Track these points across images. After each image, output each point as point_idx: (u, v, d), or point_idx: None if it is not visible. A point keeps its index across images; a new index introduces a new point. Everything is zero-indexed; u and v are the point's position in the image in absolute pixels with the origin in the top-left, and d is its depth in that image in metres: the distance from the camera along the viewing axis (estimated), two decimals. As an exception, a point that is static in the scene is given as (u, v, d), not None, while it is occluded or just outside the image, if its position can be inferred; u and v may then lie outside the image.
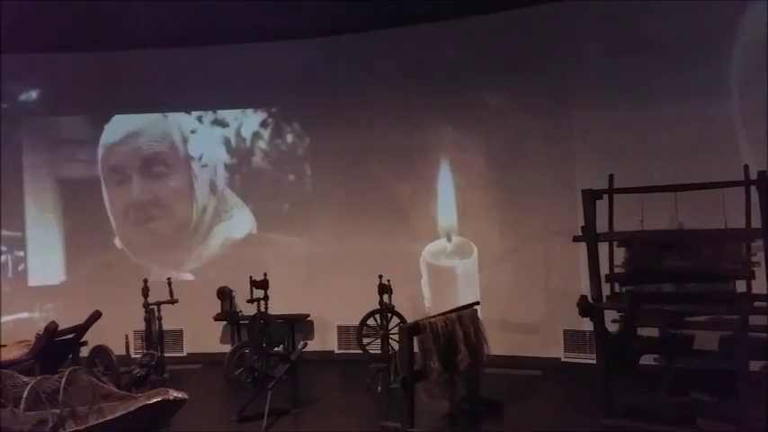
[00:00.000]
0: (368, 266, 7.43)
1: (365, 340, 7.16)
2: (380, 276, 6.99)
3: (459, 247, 7.91)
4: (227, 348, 7.88)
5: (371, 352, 7.12)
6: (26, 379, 4.30)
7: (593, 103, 7.22)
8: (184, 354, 8.43)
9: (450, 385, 5.40)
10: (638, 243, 5.58)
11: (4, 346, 6.46)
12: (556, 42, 7.38)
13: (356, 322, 7.28)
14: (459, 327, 5.47)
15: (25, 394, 4.12)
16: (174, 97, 8.67)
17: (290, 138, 8.76)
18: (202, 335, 8.43)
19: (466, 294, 7.33)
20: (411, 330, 5.27)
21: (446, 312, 5.58)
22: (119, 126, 8.80)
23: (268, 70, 8.54)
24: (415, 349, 5.29)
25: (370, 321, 7.15)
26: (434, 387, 5.27)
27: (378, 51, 8.23)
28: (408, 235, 8.12)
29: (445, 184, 8.02)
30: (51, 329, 6.09)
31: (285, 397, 6.06)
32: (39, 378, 4.32)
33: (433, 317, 5.47)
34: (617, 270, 5.72)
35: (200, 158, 8.77)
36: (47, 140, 8.89)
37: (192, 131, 8.78)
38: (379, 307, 7.02)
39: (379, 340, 6.98)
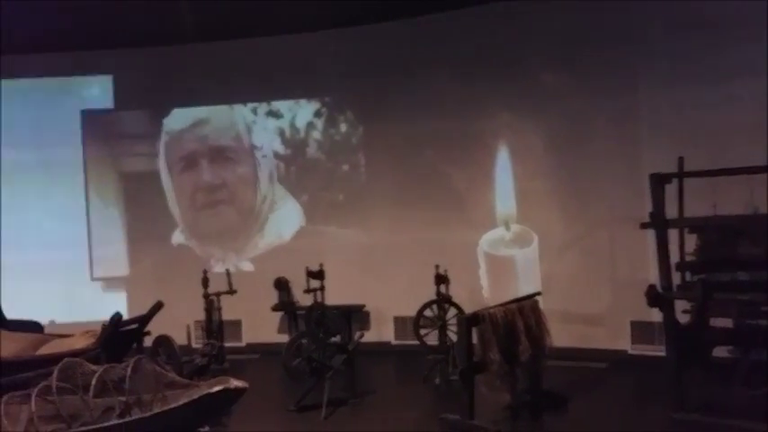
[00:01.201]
0: (424, 256, 7.34)
1: (422, 331, 7.07)
2: (437, 266, 6.88)
3: (518, 236, 7.72)
4: (284, 338, 7.95)
5: (429, 343, 7.03)
6: (94, 367, 4.39)
7: (661, 83, 6.89)
8: (243, 344, 8.56)
9: (510, 377, 5.26)
10: (710, 229, 5.30)
11: (72, 335, 6.66)
12: (619, 20, 7.07)
13: (413, 313, 7.19)
14: (520, 317, 5.32)
15: (94, 382, 4.21)
16: (229, 90, 8.77)
17: (343, 127, 8.74)
18: (260, 325, 8.53)
19: (526, 284, 7.15)
20: (470, 321, 5.15)
21: (506, 303, 5.43)
22: (186, 114, 8.97)
23: (321, 60, 8.52)
24: (474, 341, 5.18)
25: (427, 312, 7.05)
26: (495, 379, 5.14)
27: (431, 37, 8.07)
28: (465, 224, 7.97)
29: (503, 171, 7.82)
30: (116, 320, 6.22)
31: (343, 387, 6.05)
32: (106, 366, 4.41)
33: (492, 307, 5.34)
34: (688, 258, 5.45)
35: (262, 148, 8.84)
36: (108, 135, 9.14)
37: (254, 122, 8.86)
38: (436, 298, 6.92)
39: (436, 331, 6.89)
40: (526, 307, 5.45)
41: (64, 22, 7.75)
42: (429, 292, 6.92)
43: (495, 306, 5.36)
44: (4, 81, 8.74)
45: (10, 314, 7.19)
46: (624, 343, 7.06)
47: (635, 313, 6.74)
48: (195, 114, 8.95)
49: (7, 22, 7.56)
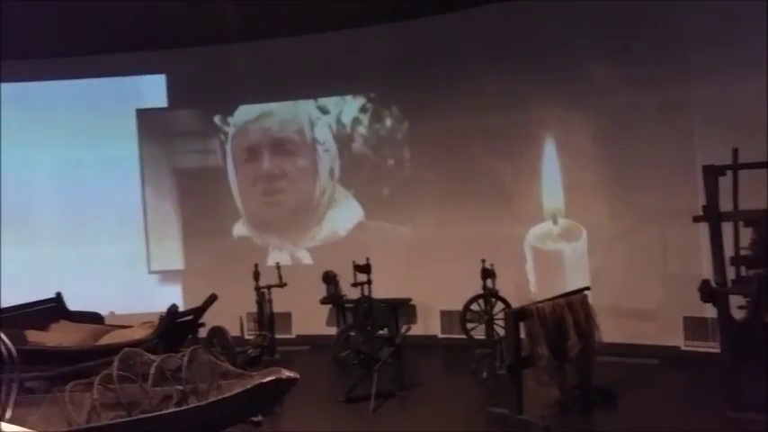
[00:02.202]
0: (470, 250, 7.33)
1: (469, 325, 7.08)
2: (483, 261, 6.86)
3: (566, 230, 7.62)
4: (333, 331, 8.09)
5: (476, 337, 7.03)
6: (152, 357, 4.57)
7: (714, 72, 6.67)
8: (293, 335, 8.73)
9: (559, 372, 5.24)
10: (766, 222, 5.14)
11: (131, 326, 6.93)
12: (668, 8, 6.89)
13: (459, 307, 7.20)
14: (569, 312, 5.29)
15: (152, 371, 4.39)
16: (278, 88, 8.93)
17: (388, 122, 8.78)
18: (310, 317, 8.68)
19: (574, 279, 7.06)
20: (517, 315, 5.15)
21: (554, 297, 5.40)
22: (252, 106, 9.17)
23: (366, 55, 8.58)
24: (522, 335, 5.17)
25: (474, 306, 7.05)
26: (543, 374, 5.14)
27: (475, 30, 8.02)
28: (512, 218, 7.92)
29: (550, 163, 7.72)
30: (172, 311, 6.45)
31: (390, 379, 6.12)
32: (163, 356, 4.58)
33: (540, 302, 5.32)
34: (743, 252, 5.29)
35: (324, 143, 8.99)
36: (163, 132, 9.43)
37: (318, 117, 9.00)
38: (482, 292, 6.91)
39: (482, 325, 6.88)
40: (575, 302, 5.40)
41: (120, 23, 8.03)
42: (475, 287, 6.91)
43: (543, 301, 5.33)
44: (64, 81, 9.13)
45: (73, 305, 7.53)
46: (676, 339, 6.91)
47: (688, 308, 6.59)
48: (261, 107, 9.15)
49: (67, 26, 7.89)
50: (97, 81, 9.19)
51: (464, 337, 7.09)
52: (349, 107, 8.89)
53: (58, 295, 7.49)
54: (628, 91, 7.22)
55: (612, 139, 7.36)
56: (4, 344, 1.89)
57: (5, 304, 6.54)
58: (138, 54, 8.96)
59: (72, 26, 7.92)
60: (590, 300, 5.56)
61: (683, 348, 6.87)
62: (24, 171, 9.14)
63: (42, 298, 7.27)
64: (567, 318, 5.24)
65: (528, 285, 7.78)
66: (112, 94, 9.26)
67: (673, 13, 6.90)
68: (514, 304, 6.34)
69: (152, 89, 9.30)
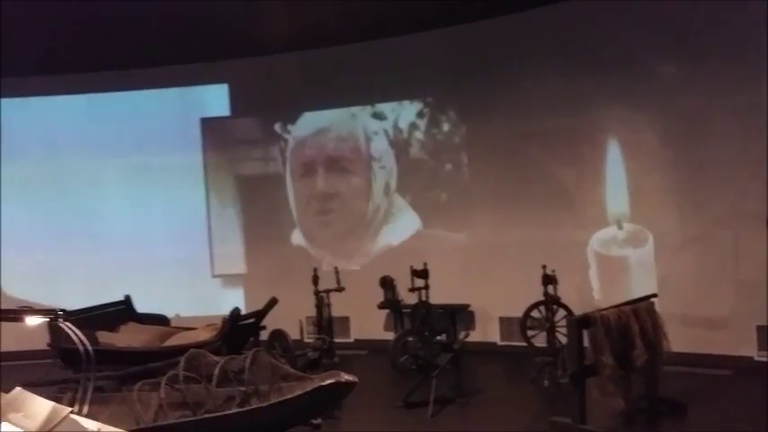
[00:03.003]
0: (530, 256, 7.19)
1: (530, 333, 6.95)
2: (544, 267, 6.72)
3: (631, 235, 7.37)
4: (390, 335, 8.08)
5: (537, 345, 6.90)
6: (216, 358, 4.69)
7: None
8: (352, 340, 8.78)
9: (625, 382, 5.07)
10: None
11: (196, 328, 7.13)
12: (741, 7, 6.59)
13: (519, 314, 7.09)
14: (635, 320, 5.11)
15: (216, 372, 4.50)
16: (335, 94, 9.03)
17: (445, 127, 8.73)
18: (368, 322, 8.72)
19: (640, 286, 6.82)
20: (580, 323, 5.02)
21: (619, 305, 5.24)
22: (310, 121, 9.31)
23: (422, 60, 8.57)
24: (585, 343, 5.04)
25: (535, 313, 6.92)
26: (607, 383, 4.98)
27: (534, 32, 7.88)
28: (574, 223, 7.73)
29: (614, 167, 7.48)
30: (235, 314, 6.60)
31: (449, 386, 6.07)
32: (227, 358, 4.70)
33: (604, 309, 5.16)
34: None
35: (380, 159, 9.03)
36: (225, 140, 9.69)
37: (375, 132, 9.03)
38: (543, 298, 6.78)
39: (544, 333, 6.74)
40: (641, 309, 5.22)
41: (184, 36, 8.30)
42: (536, 293, 6.78)
43: (608, 308, 5.18)
44: (133, 92, 9.50)
45: (140, 308, 7.81)
46: (749, 349, 6.57)
47: (761, 317, 6.27)
48: (318, 121, 9.27)
49: (135, 39, 8.22)
50: (165, 91, 9.52)
51: (524, 344, 6.97)
52: (406, 112, 8.89)
53: (127, 298, 7.78)
54: (697, 90, 6.93)
55: (681, 141, 7.07)
56: (83, 344, 1.97)
57: (77, 306, 6.81)
58: (201, 65, 9.23)
59: (139, 39, 8.24)
60: (657, 307, 5.36)
61: (757, 359, 6.54)
62: (94, 178, 9.56)
63: (112, 301, 7.59)
64: (632, 326, 5.06)
65: (591, 292, 7.57)
66: (178, 103, 9.58)
67: (744, 12, 6.59)
68: (577, 311, 6.16)
69: (215, 99, 9.57)
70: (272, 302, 6.93)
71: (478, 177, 8.47)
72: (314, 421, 5.20)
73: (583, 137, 7.71)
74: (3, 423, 1.85)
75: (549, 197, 7.87)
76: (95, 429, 1.79)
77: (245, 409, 4.27)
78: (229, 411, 4.22)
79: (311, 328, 7.89)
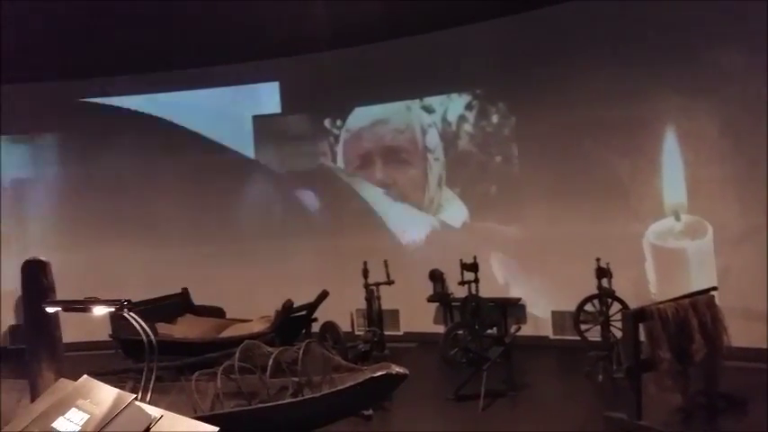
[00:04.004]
0: (583, 249, 7.06)
1: (583, 326, 6.84)
2: (598, 260, 6.59)
3: (689, 227, 7.14)
4: (440, 329, 8.08)
5: (590, 339, 6.78)
6: (270, 349, 4.78)
7: None
8: (401, 332, 8.81)
9: (682, 377, 4.93)
10: None
11: (250, 320, 7.29)
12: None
13: (572, 307, 6.98)
14: (693, 314, 4.96)
15: (270, 363, 4.60)
16: (385, 89, 9.05)
17: (495, 119, 8.64)
18: (417, 315, 8.73)
19: (699, 279, 6.63)
20: (636, 317, 4.91)
21: (677, 298, 5.09)
22: (366, 113, 9.39)
23: (471, 52, 8.49)
24: (642, 337, 4.92)
25: (588, 307, 6.80)
26: (665, 378, 4.85)
27: (585, 19, 7.69)
28: (629, 215, 7.54)
29: (671, 157, 7.25)
30: (287, 306, 6.72)
31: (500, 379, 6.03)
32: (280, 349, 4.78)
33: (661, 303, 5.03)
34: None
35: (434, 151, 9.03)
36: (278, 137, 9.84)
37: (429, 124, 9.03)
38: (597, 292, 6.65)
39: (598, 327, 6.62)
40: (700, 303, 5.07)
41: (233, 36, 8.47)
42: (589, 287, 6.66)
43: (665, 301, 5.05)
44: (188, 92, 9.76)
45: (197, 300, 8.04)
46: (816, 345, 6.30)
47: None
48: (372, 114, 9.34)
49: (190, 40, 8.44)
50: (220, 90, 9.75)
51: (577, 338, 6.86)
52: (454, 105, 8.85)
53: (184, 290, 8.01)
54: (757, 79, 6.65)
55: (742, 132, 6.80)
56: (146, 333, 2.05)
57: (137, 299, 7.03)
58: (254, 63, 9.39)
59: (195, 40, 8.45)
60: (717, 301, 5.19)
61: (823, 355, 6.25)
62: (149, 175, 9.88)
63: (170, 293, 7.83)
64: (691, 320, 4.92)
65: (647, 285, 7.37)
66: (230, 101, 9.78)
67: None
68: (632, 305, 6.03)
69: (267, 96, 9.73)
70: (323, 295, 7.02)
71: (529, 169, 8.35)
72: (365, 412, 5.26)
73: (638, 126, 7.49)
74: (71, 409, 1.94)
75: (603, 189, 7.71)
76: (158, 415, 1.86)
77: (298, 399, 4.34)
78: (283, 401, 4.30)
79: (361, 321, 7.96)
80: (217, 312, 7.90)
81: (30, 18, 7.21)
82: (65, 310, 2.38)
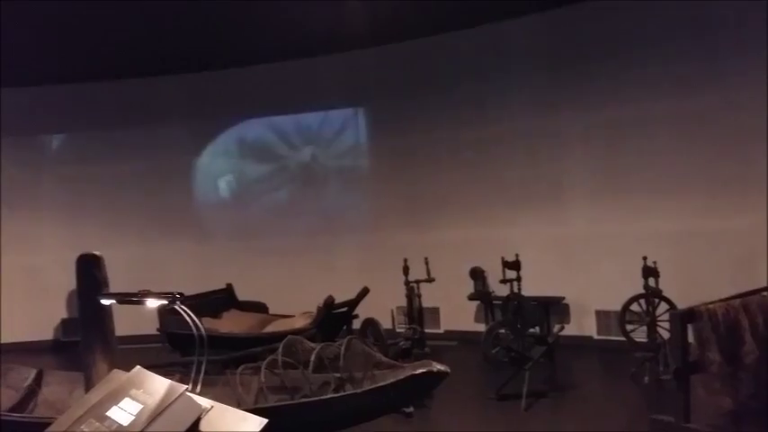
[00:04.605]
0: (629, 247, 6.95)
1: (629, 327, 6.71)
2: (645, 258, 6.46)
3: (738, 226, 6.91)
4: (481, 327, 8.04)
5: (636, 339, 6.64)
6: (312, 345, 4.84)
7: None
8: (441, 330, 8.78)
9: (732, 380, 4.77)
10: None
11: (292, 316, 7.38)
12: None
13: (617, 307, 6.86)
14: (744, 315, 4.78)
15: (312, 358, 4.65)
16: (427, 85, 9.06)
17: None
18: (458, 313, 8.69)
19: (750, 279, 6.38)
20: (685, 317, 4.77)
21: (727, 298, 4.93)
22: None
23: (512, 47, 8.42)
24: (690, 339, 4.79)
25: (634, 307, 6.67)
26: (714, 381, 4.71)
27: (625, 15, 7.56)
28: (676, 212, 7.34)
29: (724, 152, 7.03)
30: (329, 303, 6.78)
31: (543, 379, 5.96)
32: (322, 345, 4.84)
33: (710, 303, 4.88)
34: None
35: None
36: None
37: None
38: (643, 291, 6.51)
39: (644, 327, 6.48)
40: (752, 303, 4.88)
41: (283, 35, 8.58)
42: (635, 286, 6.53)
43: (715, 302, 4.89)
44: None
45: (241, 295, 8.18)
46: None
47: None
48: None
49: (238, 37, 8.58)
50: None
51: (623, 338, 6.74)
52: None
53: (229, 286, 8.17)
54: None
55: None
56: (196, 327, 2.10)
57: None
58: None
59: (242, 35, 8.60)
60: (770, 302, 5.01)
61: None
62: (193, 172, 10.13)
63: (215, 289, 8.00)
64: (742, 321, 4.75)
65: (695, 285, 7.15)
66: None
67: None
68: (680, 305, 5.88)
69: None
70: (364, 292, 7.06)
71: (572, 165, 8.21)
72: (406, 409, 5.28)
73: (690, 122, 7.28)
74: (125, 398, 2.00)
75: (650, 185, 7.52)
76: (209, 406, 1.91)
77: (339, 394, 4.37)
78: (325, 396, 4.34)
79: (402, 318, 7.97)
80: (260, 308, 8.03)
81: (91, 19, 7.41)
82: (119, 302, 2.47)
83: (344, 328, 7.09)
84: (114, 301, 2.47)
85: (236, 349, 6.13)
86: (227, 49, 8.96)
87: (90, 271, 3.86)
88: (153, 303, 2.30)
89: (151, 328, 7.35)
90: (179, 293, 2.28)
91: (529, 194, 8.54)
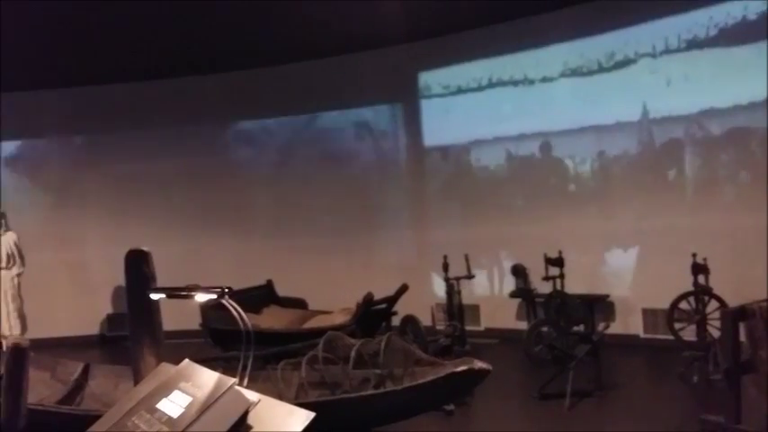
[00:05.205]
0: (677, 244, 6.73)
1: (677, 325, 6.51)
2: (694, 255, 6.26)
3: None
4: (522, 325, 7.92)
5: (685, 338, 6.44)
6: (352, 341, 4.82)
7: None
8: (482, 328, 8.67)
9: (788, 381, 4.59)
10: None
11: (332, 312, 7.40)
12: None
13: (664, 305, 6.66)
14: (800, 313, 4.60)
15: (353, 354, 4.63)
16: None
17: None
18: (498, 310, 8.57)
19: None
20: (737, 315, 4.60)
21: (782, 296, 4.74)
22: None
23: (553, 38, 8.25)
24: (742, 338, 4.62)
25: (683, 305, 6.46)
26: (766, 381, 4.54)
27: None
28: (727, 208, 7.10)
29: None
30: (368, 299, 6.77)
31: (587, 379, 5.82)
32: (363, 341, 4.82)
33: (763, 301, 4.69)
34: None
35: None
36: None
37: None
38: (693, 289, 6.31)
39: (693, 326, 6.28)
40: (809, 302, 4.69)
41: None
42: (684, 283, 6.33)
43: (768, 299, 4.71)
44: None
45: (280, 291, 8.24)
46: None
47: None
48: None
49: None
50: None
51: (671, 337, 6.55)
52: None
53: (269, 282, 8.23)
54: None
55: None
56: (245, 324, 2.11)
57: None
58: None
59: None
60: (829, 300, 4.79)
61: None
62: (241, 172, 10.24)
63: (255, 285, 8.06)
64: (798, 320, 4.56)
65: (747, 282, 6.90)
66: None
67: None
68: (731, 303, 5.68)
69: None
70: (403, 289, 7.02)
71: (616, 160, 8.01)
72: (446, 407, 5.22)
73: (742, 113, 7.01)
74: (174, 391, 2.01)
75: (700, 180, 7.29)
76: (256, 400, 1.90)
77: (380, 391, 4.35)
78: (366, 393, 4.32)
79: (441, 315, 7.90)
80: (299, 304, 8.07)
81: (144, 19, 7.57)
82: (169, 297, 2.49)
83: (383, 324, 7.07)
84: (164, 296, 2.50)
85: (277, 345, 6.17)
86: (274, 46, 9.00)
87: (138, 266, 3.93)
88: (202, 298, 2.32)
89: (192, 323, 7.46)
90: (228, 288, 2.29)
91: (573, 189, 8.36)
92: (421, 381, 4.17)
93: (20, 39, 7.57)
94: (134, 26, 7.74)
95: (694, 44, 7.20)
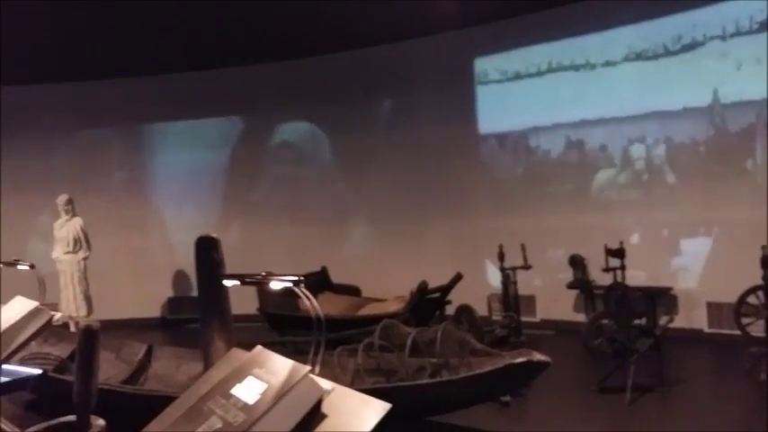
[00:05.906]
0: (745, 235, 6.43)
1: (744, 320, 6.24)
2: (764, 247, 5.95)
3: None
4: (579, 317, 7.74)
5: (753, 334, 6.17)
6: (408, 329, 4.81)
7: None
8: (537, 319, 8.53)
9: None
10: None
11: (386, 300, 7.41)
12: None
13: (731, 299, 6.40)
14: None
15: (409, 342, 4.62)
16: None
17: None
18: (554, 302, 8.40)
19: None
20: (812, 311, 4.38)
21: None
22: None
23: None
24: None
25: (751, 299, 6.19)
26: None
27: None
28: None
29: None
30: (423, 287, 6.75)
31: (649, 374, 5.64)
32: (418, 329, 4.80)
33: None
34: None
35: None
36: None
37: None
38: (762, 283, 6.01)
39: (761, 321, 6.01)
40: None
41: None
42: (752, 277, 6.05)
43: None
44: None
45: (335, 278, 8.31)
46: None
47: None
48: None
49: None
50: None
51: (737, 332, 6.29)
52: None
53: (324, 269, 8.31)
54: None
55: None
56: (315, 310, 2.11)
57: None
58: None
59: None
60: None
61: None
62: (297, 169, 10.39)
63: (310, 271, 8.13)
64: None
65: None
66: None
67: None
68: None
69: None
70: (458, 278, 6.96)
71: (681, 149, 7.70)
72: (503, 398, 5.16)
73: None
74: (248, 377, 2.03)
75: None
76: (330, 388, 1.90)
77: (437, 380, 4.32)
78: (422, 381, 4.30)
79: (497, 306, 7.80)
80: (353, 291, 8.12)
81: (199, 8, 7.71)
82: (242, 283, 2.52)
83: (437, 313, 7.03)
84: (238, 282, 2.53)
85: (332, 331, 6.18)
86: (334, 33, 9.03)
87: (208, 252, 4.00)
88: (276, 285, 2.34)
89: (248, 308, 7.59)
90: (304, 276, 2.32)
91: (632, 177, 8.09)
92: (478, 371, 4.12)
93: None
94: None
95: (767, 26, 6.83)
